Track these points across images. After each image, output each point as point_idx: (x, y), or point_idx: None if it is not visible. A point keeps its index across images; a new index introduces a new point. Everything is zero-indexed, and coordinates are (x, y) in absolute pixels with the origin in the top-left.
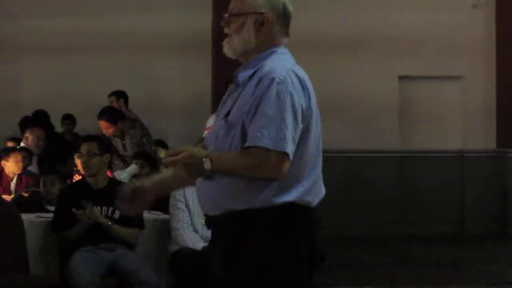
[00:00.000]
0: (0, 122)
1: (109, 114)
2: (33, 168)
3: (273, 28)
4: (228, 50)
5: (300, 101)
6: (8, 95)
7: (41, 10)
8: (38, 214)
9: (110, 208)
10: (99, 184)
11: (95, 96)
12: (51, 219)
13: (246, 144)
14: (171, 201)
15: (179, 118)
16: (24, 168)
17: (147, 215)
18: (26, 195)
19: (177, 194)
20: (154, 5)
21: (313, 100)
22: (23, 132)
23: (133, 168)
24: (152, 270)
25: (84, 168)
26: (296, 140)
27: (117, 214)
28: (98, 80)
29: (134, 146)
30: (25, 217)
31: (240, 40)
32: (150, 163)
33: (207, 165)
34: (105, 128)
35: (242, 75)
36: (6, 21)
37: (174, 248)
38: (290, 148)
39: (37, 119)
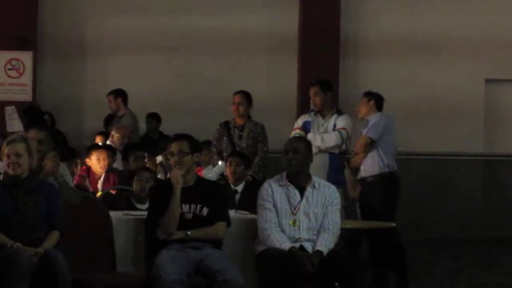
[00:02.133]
0: (86, 119)
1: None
2: (118, 165)
3: None
4: None
5: None
6: (95, 93)
7: (127, 8)
8: (125, 212)
9: (198, 206)
10: (187, 182)
11: (180, 94)
12: (139, 217)
13: None
14: (259, 201)
15: (265, 118)
16: (109, 166)
17: (234, 214)
18: (113, 192)
19: (265, 194)
20: (241, 6)
21: None
22: (106, 129)
23: (220, 167)
24: (239, 269)
25: (175, 166)
26: None
27: (205, 211)
28: (182, 79)
29: (250, 138)
30: (113, 214)
31: None
32: (245, 161)
33: None
34: (243, 103)
35: None
36: (92, 20)
37: (260, 248)
38: None
39: (30, 114)
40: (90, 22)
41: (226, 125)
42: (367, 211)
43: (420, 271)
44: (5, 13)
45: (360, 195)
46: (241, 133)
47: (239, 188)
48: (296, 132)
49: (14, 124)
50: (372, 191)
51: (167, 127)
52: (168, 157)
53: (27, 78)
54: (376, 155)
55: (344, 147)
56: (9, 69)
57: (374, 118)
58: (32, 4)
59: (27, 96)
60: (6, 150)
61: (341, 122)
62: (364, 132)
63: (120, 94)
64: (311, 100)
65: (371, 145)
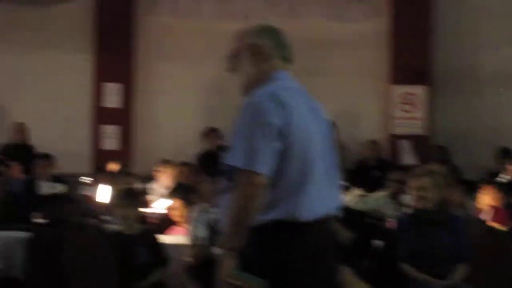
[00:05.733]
0: (478, 152)
1: None
2: None
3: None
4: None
5: (274, 120)
6: (487, 125)
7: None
8: None
9: None
10: None
11: None
12: None
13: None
14: None
15: None
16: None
17: None
18: None
19: None
20: None
21: (298, 119)
22: (502, 162)
23: None
24: None
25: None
26: (272, 158)
27: None
28: None
29: None
30: None
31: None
32: None
33: None
34: None
35: None
36: (487, 50)
37: None
38: (261, 166)
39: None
40: (483, 53)
41: None
42: None
43: None
44: (404, 47)
45: None
46: None
47: None
48: None
49: (408, 157)
50: None
51: None
52: None
53: (420, 111)
54: None
55: None
56: (403, 103)
57: None
58: (428, 38)
59: (418, 130)
60: (412, 183)
61: None
62: None
63: None
64: None
65: None
